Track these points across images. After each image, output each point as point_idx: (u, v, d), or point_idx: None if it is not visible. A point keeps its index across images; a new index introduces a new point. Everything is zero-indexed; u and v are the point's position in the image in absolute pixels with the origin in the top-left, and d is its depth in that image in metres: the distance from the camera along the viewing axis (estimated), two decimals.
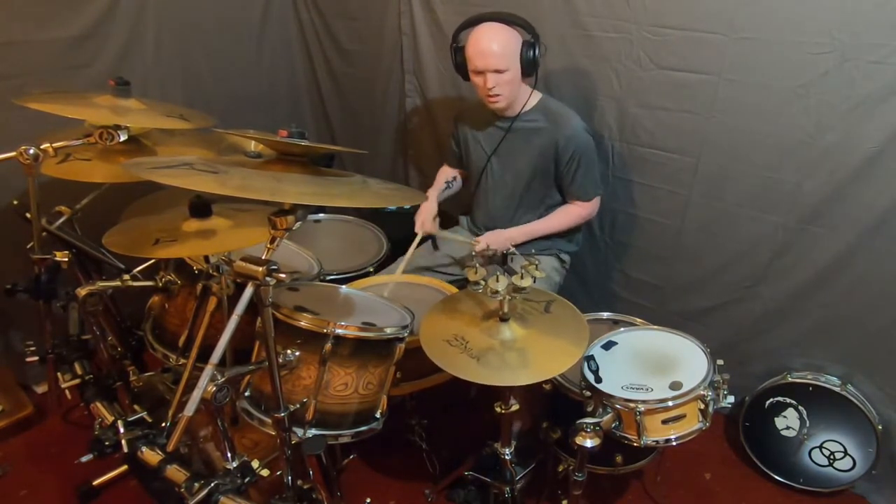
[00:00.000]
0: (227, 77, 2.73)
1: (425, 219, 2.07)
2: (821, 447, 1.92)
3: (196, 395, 1.11)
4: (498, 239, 2.01)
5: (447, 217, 2.25)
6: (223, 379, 1.15)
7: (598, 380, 1.50)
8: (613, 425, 1.47)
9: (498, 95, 1.89)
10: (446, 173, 2.28)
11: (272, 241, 1.16)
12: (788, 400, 1.93)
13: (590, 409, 1.51)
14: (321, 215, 2.50)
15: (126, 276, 1.62)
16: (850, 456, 1.87)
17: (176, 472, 1.42)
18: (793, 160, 1.79)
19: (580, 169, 1.95)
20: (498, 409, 1.49)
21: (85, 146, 1.58)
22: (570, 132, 1.93)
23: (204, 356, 1.21)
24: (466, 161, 2.19)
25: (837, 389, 1.87)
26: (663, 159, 2.05)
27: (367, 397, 1.45)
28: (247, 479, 1.33)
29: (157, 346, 1.66)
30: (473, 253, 1.49)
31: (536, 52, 1.86)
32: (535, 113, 1.98)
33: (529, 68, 1.88)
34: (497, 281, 1.38)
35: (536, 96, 2.00)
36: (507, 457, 1.59)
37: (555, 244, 2.10)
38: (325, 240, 2.40)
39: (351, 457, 1.94)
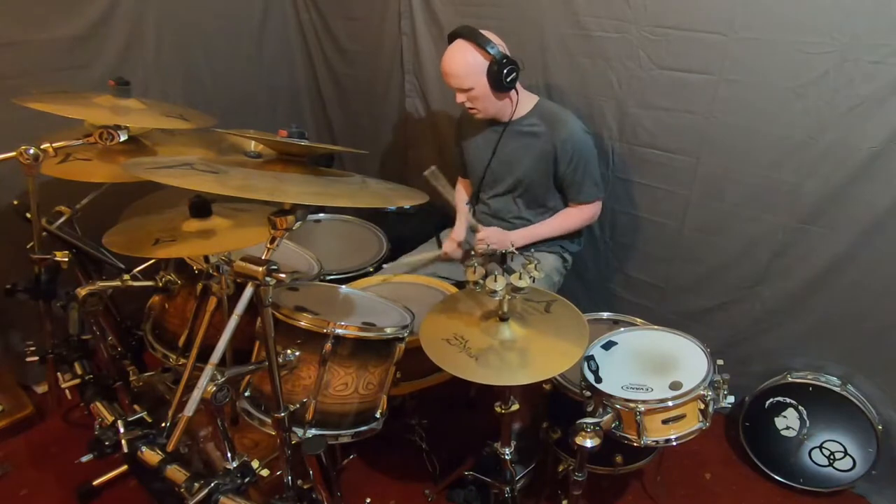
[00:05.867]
0: (227, 77, 2.73)
1: (452, 242, 2.07)
2: (821, 447, 1.91)
3: (196, 395, 1.12)
4: (500, 238, 2.01)
5: (449, 220, 2.24)
6: (223, 379, 1.15)
7: (598, 380, 1.50)
8: (613, 425, 1.47)
9: (474, 109, 1.90)
10: (463, 193, 2.29)
11: (272, 241, 1.16)
12: (788, 400, 1.93)
13: (590, 409, 1.51)
14: (321, 215, 2.50)
15: (126, 276, 1.62)
16: (850, 456, 1.87)
17: (176, 472, 1.41)
18: (793, 160, 1.79)
19: (580, 171, 1.95)
20: (498, 409, 1.49)
21: (85, 146, 1.58)
22: (567, 135, 1.92)
23: (204, 356, 1.21)
24: (469, 165, 2.19)
25: (837, 389, 1.87)
26: (663, 159, 2.05)
27: (367, 397, 1.45)
28: (247, 479, 1.33)
29: (157, 346, 1.66)
30: (473, 252, 1.49)
31: (505, 70, 1.81)
32: (532, 117, 1.98)
33: (499, 85, 1.84)
34: (495, 281, 1.38)
35: (532, 100, 2.00)
36: (507, 457, 1.58)
37: (559, 241, 2.10)
38: (325, 240, 2.40)
39: (351, 457, 1.94)
